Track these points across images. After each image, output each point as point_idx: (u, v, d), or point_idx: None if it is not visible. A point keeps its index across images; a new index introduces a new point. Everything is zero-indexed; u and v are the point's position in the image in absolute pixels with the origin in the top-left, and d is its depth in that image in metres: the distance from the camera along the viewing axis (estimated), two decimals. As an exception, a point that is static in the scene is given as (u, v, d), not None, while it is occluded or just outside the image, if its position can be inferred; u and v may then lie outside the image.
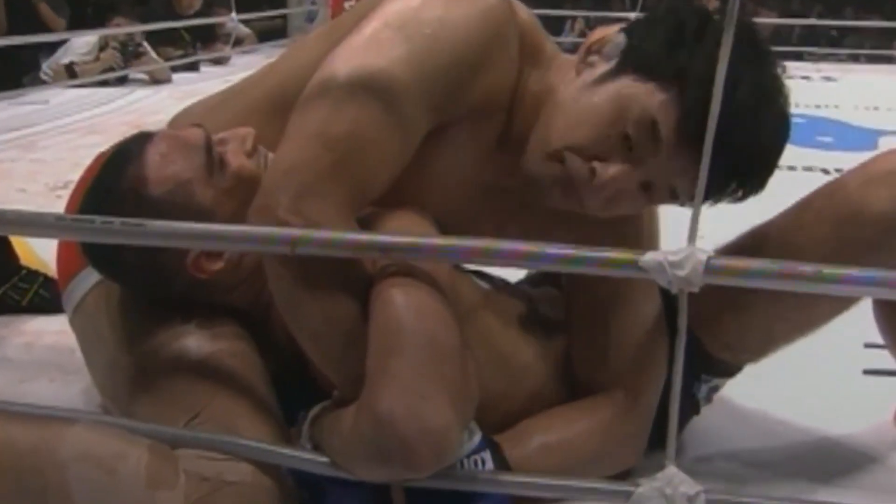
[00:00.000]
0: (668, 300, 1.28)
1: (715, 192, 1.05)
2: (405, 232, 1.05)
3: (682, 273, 0.82)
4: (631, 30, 1.09)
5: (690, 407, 1.36)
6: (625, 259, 0.87)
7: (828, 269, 0.82)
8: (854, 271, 0.80)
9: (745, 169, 1.04)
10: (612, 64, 1.07)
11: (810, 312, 1.27)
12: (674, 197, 1.07)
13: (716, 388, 1.38)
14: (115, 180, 1.15)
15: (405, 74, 1.03)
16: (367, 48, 1.05)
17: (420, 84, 1.04)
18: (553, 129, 1.08)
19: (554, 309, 1.32)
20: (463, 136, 1.12)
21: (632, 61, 1.06)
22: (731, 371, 1.37)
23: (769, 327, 1.30)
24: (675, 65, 1.02)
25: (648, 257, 0.84)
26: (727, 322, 1.29)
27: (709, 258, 0.81)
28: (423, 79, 1.04)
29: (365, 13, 1.11)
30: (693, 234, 0.85)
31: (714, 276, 0.82)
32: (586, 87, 1.08)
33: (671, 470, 0.91)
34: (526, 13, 1.15)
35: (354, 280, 1.03)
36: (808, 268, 0.81)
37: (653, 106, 1.02)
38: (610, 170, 1.04)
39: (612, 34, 1.10)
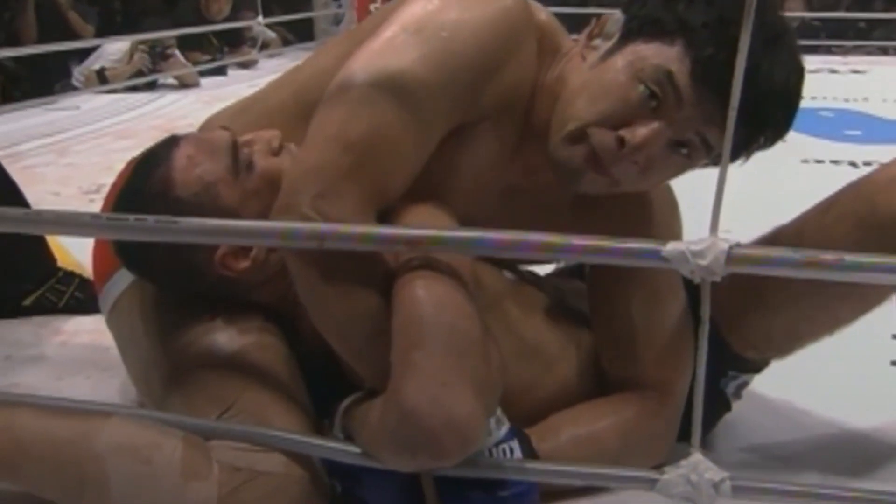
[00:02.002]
0: (692, 293, 1.29)
1: (740, 144, 1.05)
2: (429, 225, 1.06)
3: (704, 262, 0.83)
4: (627, 4, 1.11)
5: (721, 403, 1.36)
6: (647, 249, 0.87)
7: (850, 258, 0.82)
8: (876, 259, 0.81)
9: (763, 111, 1.03)
10: (615, 40, 1.09)
11: (836, 312, 1.27)
12: (708, 149, 1.06)
13: (744, 384, 1.38)
14: (143, 184, 1.18)
15: (422, 76, 1.05)
16: (384, 51, 1.07)
17: (437, 85, 1.05)
18: (570, 111, 1.09)
19: (581, 301, 1.33)
20: (482, 136, 1.13)
21: (633, 29, 1.07)
22: (758, 367, 1.37)
23: (794, 327, 1.30)
24: (675, 18, 1.04)
25: (671, 247, 0.85)
26: (752, 323, 1.30)
27: (731, 247, 0.82)
28: (441, 80, 1.05)
29: (384, 17, 1.13)
30: (715, 223, 0.86)
31: (736, 264, 0.83)
32: (595, 66, 1.10)
33: (696, 457, 0.91)
34: (544, 14, 1.17)
35: (377, 275, 1.04)
36: (830, 256, 0.82)
37: (664, 59, 1.04)
38: (638, 132, 1.04)
39: (607, 17, 1.12)
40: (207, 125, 1.36)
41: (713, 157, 1.09)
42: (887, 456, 1.36)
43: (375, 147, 1.04)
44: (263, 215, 1.09)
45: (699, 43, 1.02)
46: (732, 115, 0.82)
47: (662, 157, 1.07)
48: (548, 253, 0.95)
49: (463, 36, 1.07)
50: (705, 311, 0.89)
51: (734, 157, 1.08)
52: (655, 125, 1.04)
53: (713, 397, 1.32)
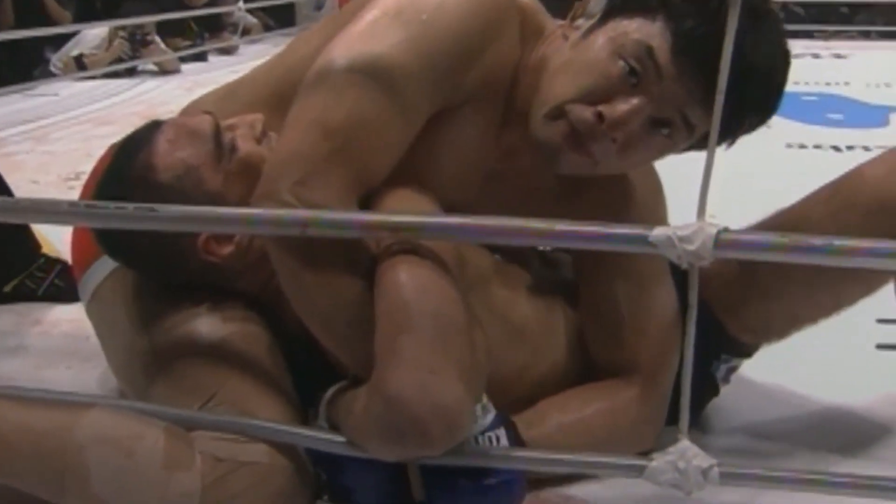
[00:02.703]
0: (680, 278, 1.29)
1: (724, 126, 1.03)
2: (412, 212, 1.05)
3: (691, 247, 0.82)
4: None
5: (709, 388, 1.36)
6: (634, 234, 0.87)
7: (838, 241, 0.82)
8: (865, 243, 0.80)
9: (746, 90, 1.01)
10: (596, 18, 1.08)
11: (837, 295, 1.28)
12: (689, 129, 1.05)
13: (734, 369, 1.38)
14: (125, 168, 1.17)
15: (403, 59, 1.04)
16: (364, 35, 1.06)
17: (419, 69, 1.04)
18: (551, 89, 1.08)
19: (569, 272, 1.32)
20: (464, 120, 1.13)
21: (615, 6, 1.07)
22: (750, 352, 1.37)
23: (794, 312, 1.30)
24: None
25: (658, 232, 0.84)
26: (751, 308, 1.30)
27: (719, 232, 0.82)
28: (422, 64, 1.04)
29: (366, 1, 1.12)
30: (702, 207, 0.85)
31: (724, 249, 0.82)
32: (576, 44, 1.09)
33: (684, 443, 0.91)
34: None
35: (359, 261, 1.04)
36: (818, 241, 0.81)
37: (645, 34, 1.03)
38: (618, 107, 1.03)
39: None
40: (189, 110, 1.35)
41: (696, 140, 1.08)
42: (873, 437, 1.36)
43: (355, 132, 1.03)
44: (247, 199, 1.07)
45: (679, 16, 1.01)
46: (720, 98, 0.81)
47: (642, 135, 1.06)
48: (533, 239, 0.94)
49: (443, 19, 1.06)
50: (693, 296, 0.89)
51: (720, 140, 1.07)
52: (635, 101, 1.03)
53: (702, 382, 1.32)
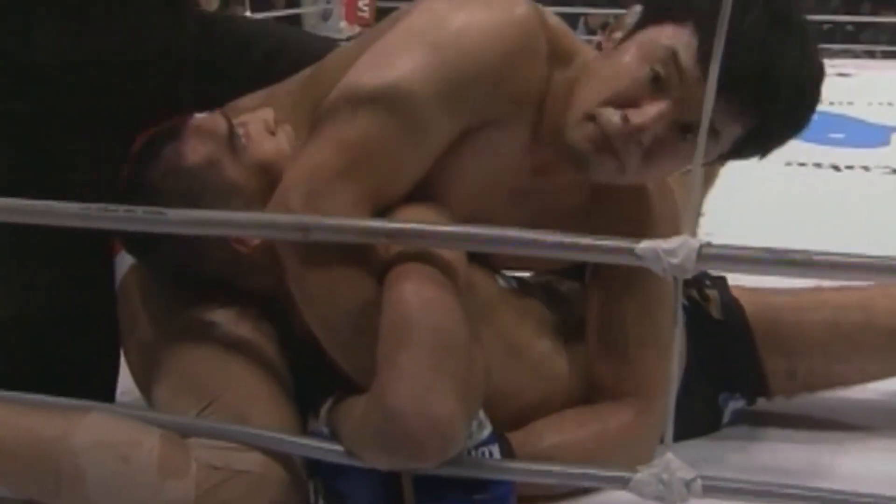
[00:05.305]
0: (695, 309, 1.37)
1: (751, 138, 1.07)
2: (411, 219, 1.08)
3: (675, 260, 0.84)
4: None
5: (712, 417, 1.40)
6: (621, 246, 0.88)
7: (819, 256, 0.83)
8: (839, 258, 0.82)
9: (771, 97, 1.03)
10: (629, 29, 1.11)
11: (862, 366, 1.41)
12: (715, 134, 1.05)
13: (739, 412, 1.42)
14: (152, 165, 1.20)
15: (422, 82, 1.07)
16: (388, 56, 1.10)
17: (437, 92, 1.07)
18: (583, 95, 1.10)
19: (573, 303, 1.34)
20: (493, 139, 1.15)
21: (647, 16, 1.10)
22: (761, 393, 1.43)
23: (838, 372, 1.42)
24: (685, 2, 1.06)
25: (644, 245, 0.86)
26: (814, 357, 1.39)
27: (701, 245, 0.83)
28: (441, 87, 1.07)
29: (394, 22, 1.16)
30: (689, 222, 0.87)
31: (707, 262, 0.84)
32: (609, 53, 1.12)
33: (668, 456, 0.92)
34: (553, 17, 1.18)
35: (367, 271, 1.06)
36: (798, 255, 0.83)
37: (673, 40, 1.05)
38: (643, 110, 1.05)
39: (626, 14, 1.15)
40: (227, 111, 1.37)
41: (721, 152, 1.10)
42: (861, 454, 1.37)
43: (370, 151, 1.06)
44: (266, 193, 1.12)
45: (707, 25, 1.01)
46: (709, 102, 0.84)
47: (668, 141, 1.07)
48: (522, 248, 0.96)
49: (467, 44, 1.08)
50: (677, 308, 0.90)
51: (751, 153, 1.11)
52: (661, 104, 1.05)
53: (706, 410, 1.37)
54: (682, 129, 1.06)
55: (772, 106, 1.04)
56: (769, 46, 1.02)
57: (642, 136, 1.05)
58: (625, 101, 1.06)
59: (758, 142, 1.09)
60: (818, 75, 1.08)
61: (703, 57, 1.01)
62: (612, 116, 1.06)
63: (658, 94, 1.05)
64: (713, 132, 1.05)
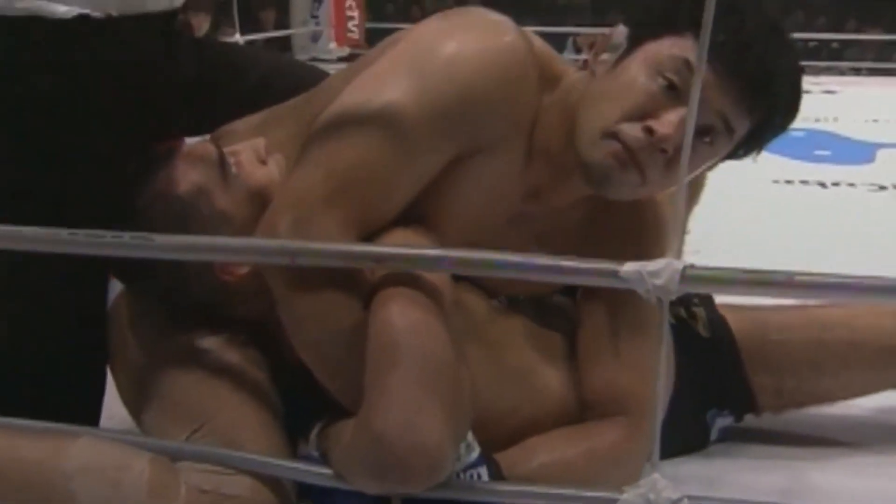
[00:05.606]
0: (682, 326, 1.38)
1: (756, 131, 1.12)
2: (397, 243, 1.09)
3: (659, 282, 0.85)
4: (629, 17, 1.16)
5: (699, 434, 1.41)
6: (605, 269, 0.90)
7: (800, 277, 0.85)
8: (820, 279, 0.83)
9: (775, 89, 1.10)
10: (623, 48, 1.13)
11: (848, 382, 1.43)
12: (730, 132, 1.10)
13: (727, 429, 1.43)
14: (140, 192, 1.20)
15: (411, 109, 1.08)
16: (377, 82, 1.11)
17: (427, 118, 1.08)
18: (595, 115, 1.11)
19: (565, 321, 1.34)
20: (486, 165, 1.15)
21: (642, 33, 1.12)
22: (749, 410, 1.44)
23: (825, 388, 1.43)
24: (684, 10, 1.08)
25: (628, 267, 0.87)
26: (801, 373, 1.41)
27: (685, 268, 0.85)
28: (430, 114, 1.08)
29: (386, 48, 1.17)
30: (675, 242, 0.89)
31: (690, 284, 0.85)
32: (609, 73, 1.13)
33: (654, 476, 0.93)
34: (539, 42, 1.19)
35: (354, 296, 1.07)
36: (779, 276, 0.84)
37: (680, 50, 1.08)
38: (665, 118, 1.07)
39: (611, 32, 1.16)
40: (220, 136, 1.37)
41: (738, 147, 1.14)
42: (848, 470, 1.37)
43: (358, 176, 1.07)
44: (256, 222, 1.12)
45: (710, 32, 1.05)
46: (694, 105, 0.86)
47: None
48: (507, 272, 0.97)
49: (457, 71, 1.09)
50: (664, 329, 0.91)
51: (752, 148, 1.16)
52: (680, 111, 1.06)
53: (694, 426, 1.38)
54: (700, 132, 1.08)
55: (776, 100, 1.11)
56: (771, 48, 1.08)
57: (666, 145, 1.07)
58: (643, 114, 1.08)
59: (760, 136, 1.14)
60: (801, 74, 1.15)
61: (713, 59, 1.03)
62: (634, 130, 1.08)
63: (674, 103, 1.07)
64: (729, 130, 1.10)
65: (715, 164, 1.18)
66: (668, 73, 1.07)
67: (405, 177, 1.10)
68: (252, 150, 1.23)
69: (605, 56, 1.15)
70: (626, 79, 1.10)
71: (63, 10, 1.14)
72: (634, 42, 1.12)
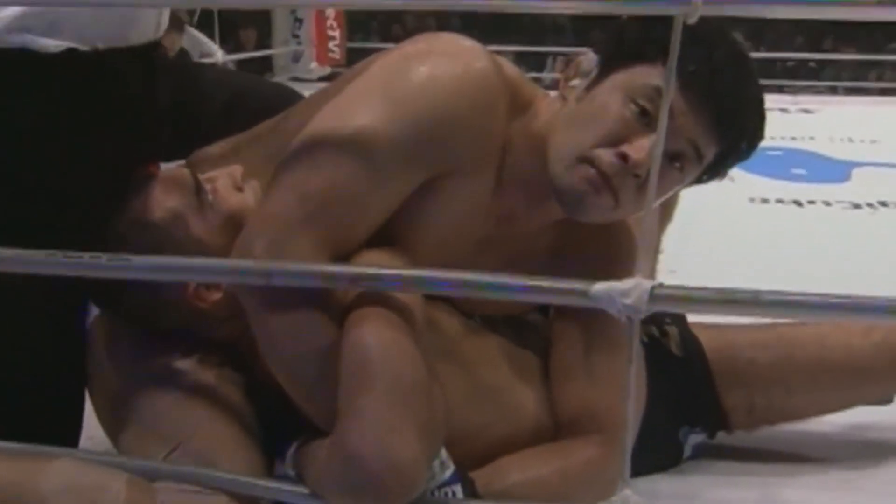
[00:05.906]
0: (655, 345, 1.40)
1: (722, 156, 1.14)
2: (371, 264, 1.10)
3: (628, 301, 0.87)
4: (597, 44, 1.18)
5: (672, 451, 1.42)
6: (575, 288, 0.91)
7: (767, 296, 0.86)
8: (788, 297, 0.85)
9: (742, 119, 1.12)
10: (593, 74, 1.15)
11: (821, 398, 1.46)
12: (699, 158, 1.12)
13: (700, 446, 1.45)
14: (117, 218, 1.21)
15: (383, 133, 1.09)
16: (349, 106, 1.13)
17: (398, 143, 1.09)
18: (567, 141, 1.13)
19: (539, 338, 1.35)
20: (456, 188, 1.17)
21: (613, 59, 1.14)
22: (721, 427, 1.46)
23: (796, 406, 1.45)
24: (655, 39, 1.08)
25: (598, 286, 0.88)
26: (772, 391, 1.43)
27: (653, 287, 0.86)
28: (402, 138, 1.09)
29: (358, 72, 1.19)
30: (646, 261, 0.90)
31: (659, 303, 0.87)
32: (581, 99, 1.15)
33: (625, 493, 0.94)
34: (510, 68, 1.21)
35: (328, 316, 1.08)
36: (747, 294, 0.86)
37: (650, 77, 1.09)
38: (638, 144, 1.08)
39: (581, 58, 1.18)
40: (194, 162, 1.38)
41: (704, 172, 1.16)
42: (819, 486, 1.39)
43: (331, 199, 1.09)
44: (231, 249, 1.13)
45: (680, 62, 1.07)
46: (663, 121, 0.88)
47: (660, 171, 1.11)
48: (479, 291, 0.99)
49: (429, 97, 1.11)
50: (633, 348, 0.93)
51: (716, 173, 1.18)
52: (654, 136, 1.07)
53: (667, 443, 1.40)
54: (671, 157, 1.11)
55: (745, 128, 1.13)
56: (739, 76, 1.11)
57: (640, 170, 1.09)
58: (616, 140, 1.10)
59: (725, 162, 1.16)
60: (764, 101, 1.18)
61: (683, 87, 1.07)
62: (608, 156, 1.09)
63: (647, 129, 1.09)
64: (699, 156, 1.13)
65: (683, 188, 1.20)
66: (641, 100, 1.09)
67: (377, 200, 1.12)
68: (229, 177, 1.24)
69: (575, 82, 1.17)
70: (599, 105, 1.12)
71: (52, 45, 1.16)
72: (606, 69, 1.14)
